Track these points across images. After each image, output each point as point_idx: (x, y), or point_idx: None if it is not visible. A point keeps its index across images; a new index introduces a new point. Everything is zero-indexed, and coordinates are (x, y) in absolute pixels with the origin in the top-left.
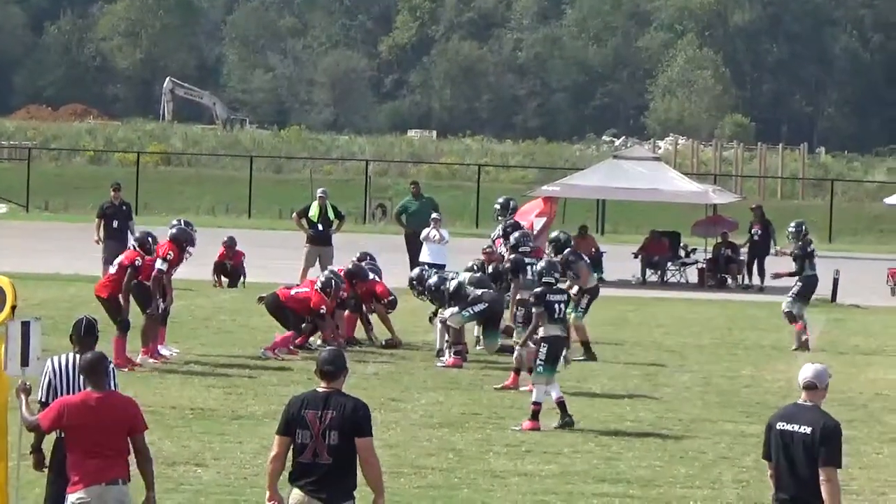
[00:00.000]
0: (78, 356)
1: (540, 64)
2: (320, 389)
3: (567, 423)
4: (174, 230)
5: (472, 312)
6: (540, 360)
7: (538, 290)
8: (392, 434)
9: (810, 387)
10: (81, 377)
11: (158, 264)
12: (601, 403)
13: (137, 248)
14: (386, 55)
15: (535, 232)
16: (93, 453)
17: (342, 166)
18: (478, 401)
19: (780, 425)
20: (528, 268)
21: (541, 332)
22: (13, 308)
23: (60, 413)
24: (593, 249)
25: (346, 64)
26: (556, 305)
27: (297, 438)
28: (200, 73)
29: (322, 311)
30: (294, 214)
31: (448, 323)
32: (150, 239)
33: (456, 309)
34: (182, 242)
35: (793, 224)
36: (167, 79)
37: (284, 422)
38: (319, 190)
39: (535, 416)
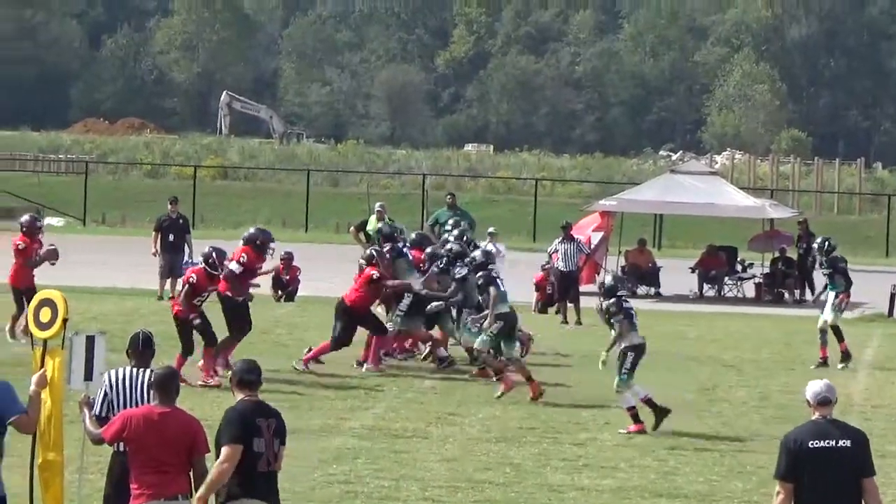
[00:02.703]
0: (134, 370)
1: (597, 78)
2: (250, 399)
3: (660, 417)
4: (247, 232)
5: (493, 335)
6: (625, 369)
7: (612, 300)
8: (449, 448)
9: (826, 402)
10: (139, 391)
11: (232, 266)
12: None
13: (203, 265)
14: (443, 69)
15: (591, 246)
16: (152, 468)
17: (399, 180)
18: (535, 415)
19: (813, 443)
20: (499, 281)
21: (624, 342)
22: (65, 321)
23: (124, 425)
24: (650, 264)
25: (403, 78)
26: (633, 311)
27: (253, 447)
28: (257, 86)
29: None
30: (352, 228)
31: (476, 349)
32: (214, 255)
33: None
34: (255, 240)
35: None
36: (224, 92)
37: (241, 429)
38: (377, 204)
39: (636, 418)
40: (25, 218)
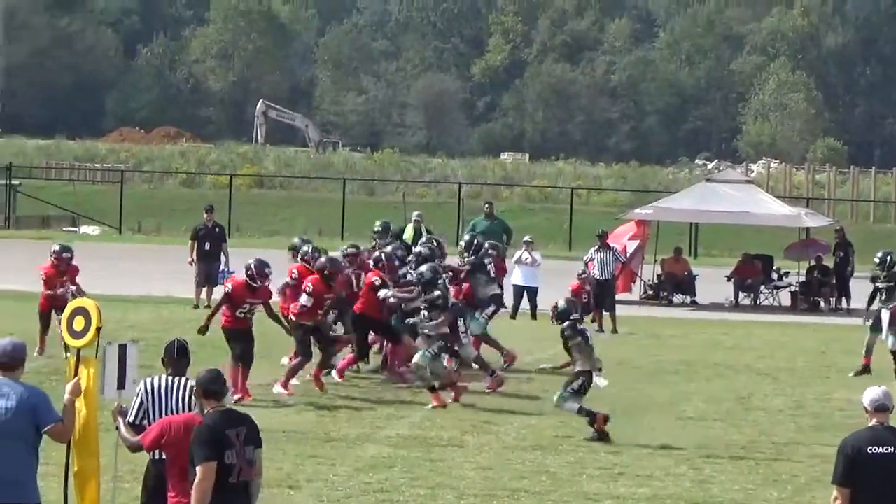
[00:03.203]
0: (170, 378)
1: (632, 86)
2: (217, 410)
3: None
4: (320, 259)
5: (434, 352)
6: (571, 389)
7: (568, 324)
8: (485, 457)
9: (883, 408)
10: (175, 399)
11: (302, 300)
12: (694, 426)
13: (245, 277)
14: (479, 78)
15: (627, 255)
16: (188, 476)
17: (435, 189)
18: (570, 423)
19: (871, 449)
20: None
21: (579, 365)
22: (98, 330)
23: (163, 432)
24: (686, 272)
25: (439, 86)
26: (588, 335)
27: (225, 460)
28: (293, 95)
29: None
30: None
31: (415, 363)
32: (253, 267)
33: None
34: (323, 270)
35: (879, 253)
36: (260, 101)
37: (211, 446)
38: (415, 213)
39: (591, 415)
40: (55, 247)
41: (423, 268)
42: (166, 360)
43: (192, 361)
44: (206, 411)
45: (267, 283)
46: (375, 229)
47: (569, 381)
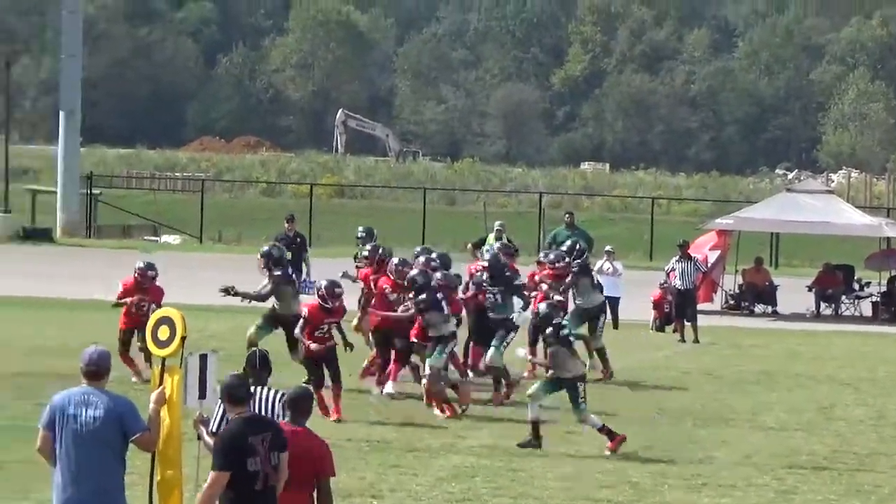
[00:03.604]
0: (252, 388)
1: (712, 96)
2: (242, 414)
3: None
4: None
5: (445, 353)
6: (581, 399)
7: (551, 330)
8: (567, 467)
9: None
10: (256, 408)
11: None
12: (776, 436)
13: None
14: (558, 87)
15: (708, 265)
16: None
17: (516, 198)
18: (651, 434)
19: None
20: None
21: (569, 372)
22: (183, 339)
23: None
24: (767, 282)
25: (519, 96)
26: (571, 339)
27: (248, 467)
28: (373, 104)
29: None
30: (469, 245)
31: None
32: (323, 289)
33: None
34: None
35: None
36: (340, 111)
37: (229, 456)
38: (497, 223)
39: (611, 434)
40: (140, 264)
41: (413, 272)
42: (248, 369)
43: (273, 371)
44: (231, 418)
45: (338, 303)
46: (359, 234)
47: (572, 393)
